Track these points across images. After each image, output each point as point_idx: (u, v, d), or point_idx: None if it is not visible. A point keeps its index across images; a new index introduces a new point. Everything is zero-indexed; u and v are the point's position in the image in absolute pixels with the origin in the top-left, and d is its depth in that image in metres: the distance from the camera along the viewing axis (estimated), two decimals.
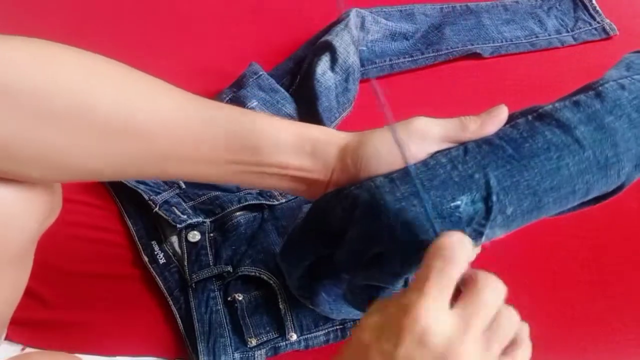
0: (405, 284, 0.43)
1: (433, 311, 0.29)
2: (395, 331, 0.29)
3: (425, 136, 0.39)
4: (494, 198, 0.36)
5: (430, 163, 0.38)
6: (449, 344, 0.28)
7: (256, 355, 0.59)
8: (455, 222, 0.36)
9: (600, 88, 0.41)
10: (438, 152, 0.39)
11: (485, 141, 0.39)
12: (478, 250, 0.39)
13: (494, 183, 0.36)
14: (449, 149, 0.39)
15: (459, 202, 0.36)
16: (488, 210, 0.36)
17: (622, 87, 0.41)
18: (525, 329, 0.32)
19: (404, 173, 0.38)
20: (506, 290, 0.31)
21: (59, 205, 0.43)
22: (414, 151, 0.38)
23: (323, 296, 0.46)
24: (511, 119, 0.40)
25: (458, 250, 0.31)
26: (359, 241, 0.38)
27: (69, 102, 0.33)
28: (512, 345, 0.31)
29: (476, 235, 0.36)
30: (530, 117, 0.40)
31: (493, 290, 0.30)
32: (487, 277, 0.30)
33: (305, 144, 0.40)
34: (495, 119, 0.40)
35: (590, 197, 0.40)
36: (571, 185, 0.38)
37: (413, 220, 0.35)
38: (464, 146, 0.39)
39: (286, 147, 0.40)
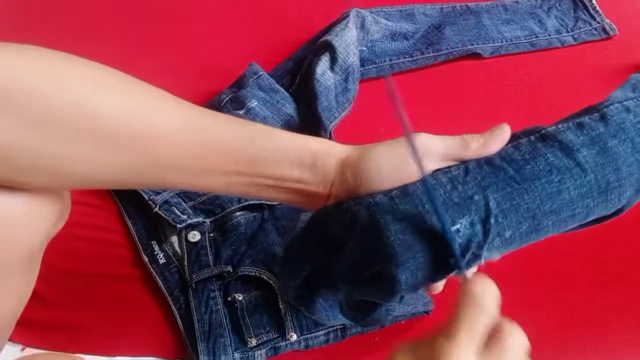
0: (401, 300, 0.43)
1: (463, 358, 0.29)
2: None
3: (426, 153, 0.38)
4: (492, 221, 0.36)
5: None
6: None
7: (256, 355, 0.59)
8: (454, 244, 0.35)
9: (604, 110, 0.40)
10: (438, 170, 0.38)
11: (487, 161, 0.38)
12: (475, 269, 0.39)
13: (493, 205, 0.36)
14: (449, 167, 0.38)
15: (458, 225, 0.35)
16: (486, 232, 0.36)
17: (627, 109, 0.40)
18: None
19: (404, 191, 0.37)
20: (527, 344, 0.32)
21: (67, 210, 0.43)
22: (415, 168, 0.38)
23: (320, 304, 0.46)
24: (514, 138, 0.40)
25: (488, 298, 0.31)
26: (358, 255, 0.38)
27: (69, 108, 0.33)
28: None
29: (473, 258, 0.36)
30: (532, 138, 0.39)
31: (515, 339, 0.31)
32: (511, 327, 0.32)
33: (304, 156, 0.40)
34: (498, 138, 0.39)
35: (589, 219, 0.40)
36: (571, 209, 0.38)
37: (411, 241, 0.35)
38: (464, 165, 0.38)
39: (285, 159, 0.40)
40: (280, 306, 0.60)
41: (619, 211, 0.41)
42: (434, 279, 0.37)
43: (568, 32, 0.92)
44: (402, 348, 0.32)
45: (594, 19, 0.94)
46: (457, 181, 0.37)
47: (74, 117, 0.33)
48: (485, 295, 0.31)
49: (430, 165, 0.38)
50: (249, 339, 0.58)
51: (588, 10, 0.95)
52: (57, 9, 0.93)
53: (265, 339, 0.59)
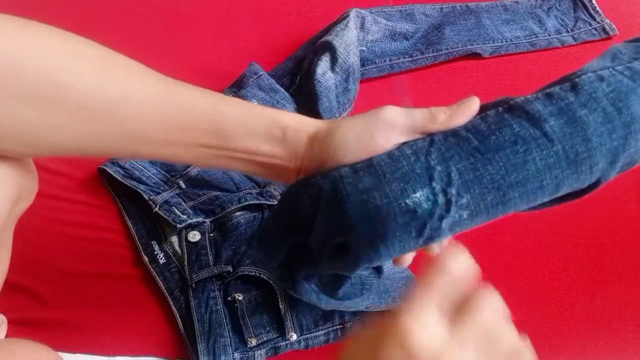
0: (379, 273, 0.43)
1: (420, 318, 0.28)
2: (380, 337, 0.28)
3: (392, 126, 0.38)
4: (454, 191, 0.35)
5: (394, 154, 0.37)
6: (436, 352, 0.27)
7: (256, 355, 0.59)
8: (415, 215, 0.35)
9: (576, 80, 0.39)
10: (405, 143, 0.38)
11: (452, 133, 0.38)
12: (444, 243, 0.39)
13: (455, 176, 0.35)
14: (415, 140, 0.38)
15: (419, 195, 0.35)
16: (448, 203, 0.35)
17: (601, 78, 0.39)
18: (527, 354, 0.30)
19: (368, 164, 0.37)
20: (506, 310, 0.29)
21: (33, 187, 0.44)
22: (381, 141, 0.38)
23: (309, 285, 0.45)
24: (483, 110, 0.39)
25: (456, 264, 0.30)
26: (324, 229, 0.38)
27: (43, 79, 0.34)
28: None
29: (435, 229, 0.36)
30: (500, 109, 0.39)
31: (490, 304, 0.29)
32: (486, 293, 0.30)
33: (275, 131, 0.40)
34: (466, 110, 0.39)
35: (561, 193, 0.39)
36: (538, 180, 0.37)
37: (373, 212, 0.35)
38: (430, 138, 0.38)
39: (256, 133, 0.40)
40: (280, 306, 0.60)
41: (594, 185, 0.40)
42: (397, 251, 0.37)
43: (568, 32, 0.92)
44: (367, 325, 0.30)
45: (594, 19, 0.94)
46: (421, 153, 0.37)
47: (47, 87, 0.34)
48: (453, 261, 0.30)
49: (397, 139, 0.38)
50: (249, 339, 0.58)
51: (588, 10, 0.95)
52: (57, 8, 0.93)
53: (265, 338, 0.59)
